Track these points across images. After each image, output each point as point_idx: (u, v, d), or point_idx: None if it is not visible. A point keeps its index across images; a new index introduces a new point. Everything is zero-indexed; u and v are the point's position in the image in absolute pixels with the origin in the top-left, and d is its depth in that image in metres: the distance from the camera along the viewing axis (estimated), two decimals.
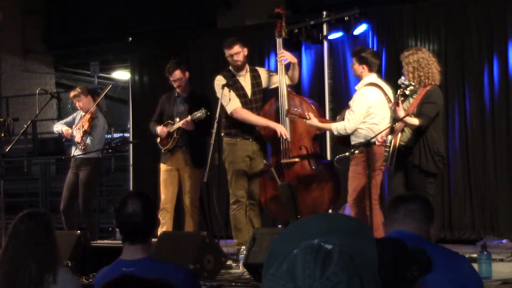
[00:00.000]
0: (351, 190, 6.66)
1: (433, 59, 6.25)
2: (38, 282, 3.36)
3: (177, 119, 7.52)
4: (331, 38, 8.79)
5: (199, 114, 7.30)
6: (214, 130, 6.98)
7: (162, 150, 7.69)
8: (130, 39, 10.45)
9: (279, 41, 7.26)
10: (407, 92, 6.07)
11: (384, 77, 8.65)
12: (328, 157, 8.35)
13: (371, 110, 6.58)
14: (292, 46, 9.01)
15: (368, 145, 6.25)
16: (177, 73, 7.54)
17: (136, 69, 10.50)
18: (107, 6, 12.27)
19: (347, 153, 6.49)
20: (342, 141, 6.87)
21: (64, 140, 8.88)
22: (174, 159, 7.63)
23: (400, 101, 6.04)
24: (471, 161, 8.37)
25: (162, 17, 11.56)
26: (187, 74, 7.64)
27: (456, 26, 8.53)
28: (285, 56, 7.14)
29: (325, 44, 8.80)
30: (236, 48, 7.18)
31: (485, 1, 8.49)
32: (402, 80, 6.14)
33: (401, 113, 6.04)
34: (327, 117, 8.50)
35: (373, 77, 6.74)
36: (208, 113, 7.27)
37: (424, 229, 3.08)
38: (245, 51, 7.23)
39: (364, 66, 6.70)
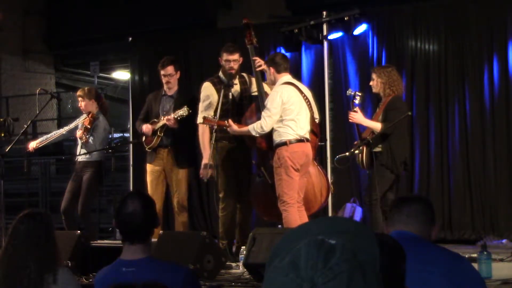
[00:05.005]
0: (282, 194, 6.64)
1: (398, 76, 7.04)
2: (38, 282, 3.36)
3: (162, 117, 7.55)
4: (331, 38, 8.78)
5: (181, 112, 7.32)
6: (214, 132, 7.00)
7: (147, 149, 7.71)
8: (130, 39, 10.45)
9: (250, 49, 7.29)
10: (357, 102, 6.85)
11: None
12: (328, 157, 8.34)
13: (287, 107, 6.67)
14: (292, 46, 9.02)
15: (368, 144, 6.26)
16: (170, 68, 7.60)
17: (136, 69, 10.50)
18: (107, 6, 12.25)
19: (347, 153, 6.51)
20: (266, 144, 6.91)
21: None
22: (160, 158, 7.64)
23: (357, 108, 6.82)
24: (471, 161, 8.36)
25: (162, 17, 11.53)
26: (178, 73, 7.68)
27: (456, 26, 8.52)
28: (259, 62, 7.16)
29: (325, 44, 8.78)
30: (237, 56, 7.20)
31: (485, 1, 8.49)
32: (350, 91, 6.94)
33: (360, 117, 6.76)
34: (327, 117, 8.51)
35: (287, 77, 6.91)
36: (190, 111, 7.28)
37: (425, 230, 3.09)
38: (241, 60, 7.26)
39: (271, 68, 6.87)
